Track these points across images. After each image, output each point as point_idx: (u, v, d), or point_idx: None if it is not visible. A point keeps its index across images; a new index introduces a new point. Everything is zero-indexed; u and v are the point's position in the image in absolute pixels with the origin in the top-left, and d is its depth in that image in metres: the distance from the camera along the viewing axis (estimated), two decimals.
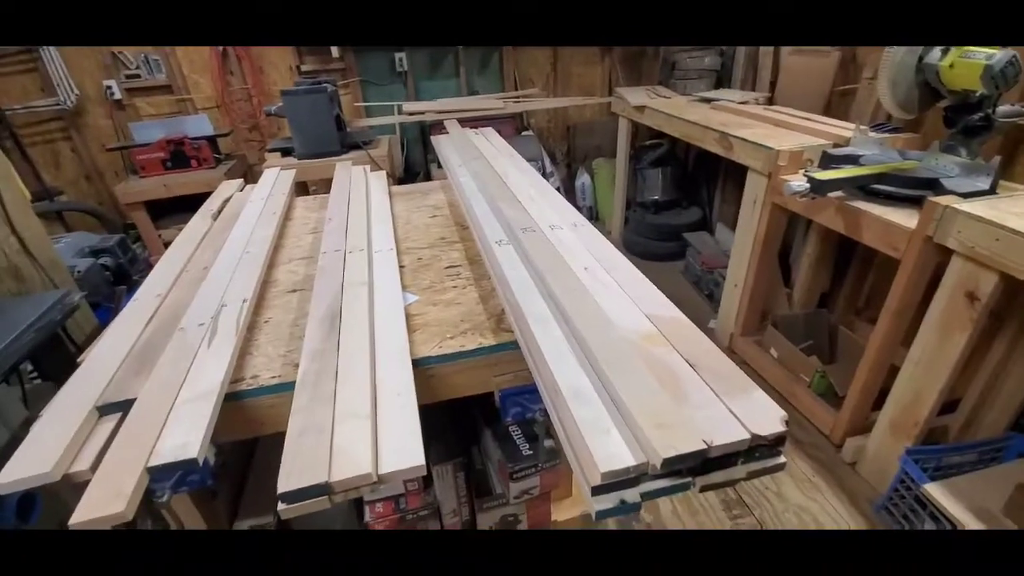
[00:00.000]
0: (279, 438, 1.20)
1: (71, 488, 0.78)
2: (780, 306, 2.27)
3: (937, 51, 1.30)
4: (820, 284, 2.27)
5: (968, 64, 1.22)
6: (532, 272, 1.02)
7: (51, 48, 3.07)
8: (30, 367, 1.14)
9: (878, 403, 1.69)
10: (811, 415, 1.89)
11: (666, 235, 3.02)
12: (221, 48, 3.34)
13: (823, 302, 2.34)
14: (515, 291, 0.95)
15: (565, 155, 4.25)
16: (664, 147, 3.05)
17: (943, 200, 1.22)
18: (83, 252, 1.50)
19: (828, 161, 1.65)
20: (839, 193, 1.50)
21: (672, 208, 3.15)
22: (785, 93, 2.52)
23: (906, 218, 1.36)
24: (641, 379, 0.68)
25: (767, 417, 0.64)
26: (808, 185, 1.43)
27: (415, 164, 3.85)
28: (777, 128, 2.05)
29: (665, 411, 0.63)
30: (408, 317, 1.00)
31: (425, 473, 0.67)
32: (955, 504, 1.26)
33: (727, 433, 0.61)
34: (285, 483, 0.61)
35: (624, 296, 0.92)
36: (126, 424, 0.73)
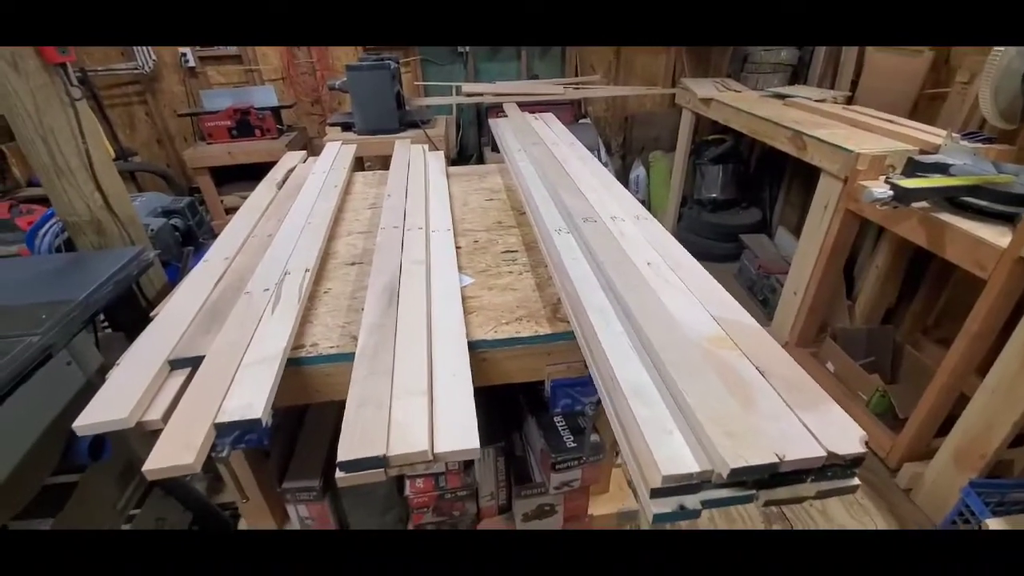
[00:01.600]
0: (329, 406, 1.24)
1: (139, 434, 0.82)
2: (840, 318, 2.16)
3: None
4: (886, 298, 2.14)
5: None
6: (592, 263, 1.00)
7: None
8: (101, 317, 1.21)
9: (942, 429, 1.59)
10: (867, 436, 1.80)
11: (722, 235, 2.91)
12: None
13: (887, 318, 2.20)
14: (574, 281, 0.93)
15: (620, 146, 4.15)
16: (728, 143, 2.93)
17: None
18: (156, 212, 1.57)
19: (914, 168, 1.53)
20: (924, 203, 1.39)
21: (730, 207, 3.03)
22: (867, 93, 2.36)
23: (997, 235, 1.26)
24: (708, 382, 0.65)
25: (845, 435, 0.60)
26: (891, 192, 1.34)
27: (469, 146, 3.85)
28: (856, 129, 1.93)
29: (734, 418, 0.60)
30: (464, 299, 1.00)
31: (478, 456, 0.67)
32: None
33: (801, 448, 0.58)
34: (345, 452, 0.62)
35: (689, 295, 0.89)
36: (195, 380, 0.76)
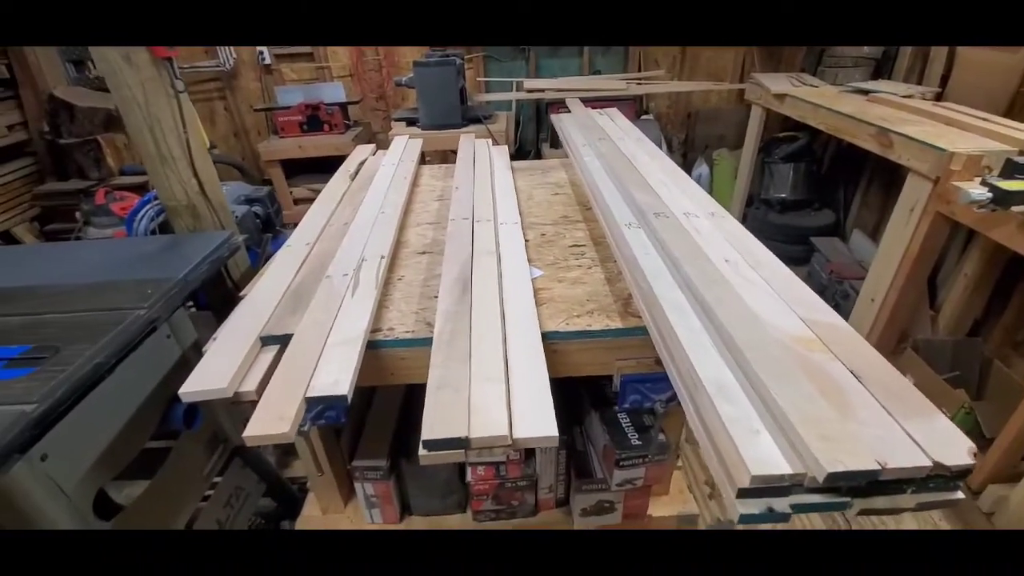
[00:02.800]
0: (396, 389, 1.28)
1: (225, 407, 0.88)
2: (922, 329, 2.02)
3: None
4: (974, 309, 1.98)
5: None
6: (666, 259, 0.98)
7: None
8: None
9: None
10: None
11: (791, 237, 2.77)
12: None
13: (974, 330, 2.04)
14: (648, 276, 0.92)
15: (682, 143, 4.04)
16: (801, 140, 2.79)
17: None
18: (239, 199, 1.67)
19: (1013, 170, 1.41)
20: (1021, 207, 1.28)
21: (801, 208, 2.89)
22: (959, 89, 2.19)
23: None
24: (799, 384, 0.63)
25: (952, 446, 0.57)
26: (991, 195, 1.24)
27: (527, 142, 3.86)
28: (948, 127, 1.79)
29: (828, 422, 0.58)
30: (534, 291, 1.01)
31: (557, 444, 0.67)
32: None
33: (904, 457, 0.55)
34: (429, 432, 0.64)
35: (773, 295, 0.85)
36: (286, 356, 0.80)
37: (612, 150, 1.63)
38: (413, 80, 2.70)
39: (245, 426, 0.68)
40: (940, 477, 0.56)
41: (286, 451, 1.71)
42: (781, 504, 0.57)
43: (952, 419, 1.56)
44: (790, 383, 0.63)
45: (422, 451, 0.64)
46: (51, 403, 0.70)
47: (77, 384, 0.74)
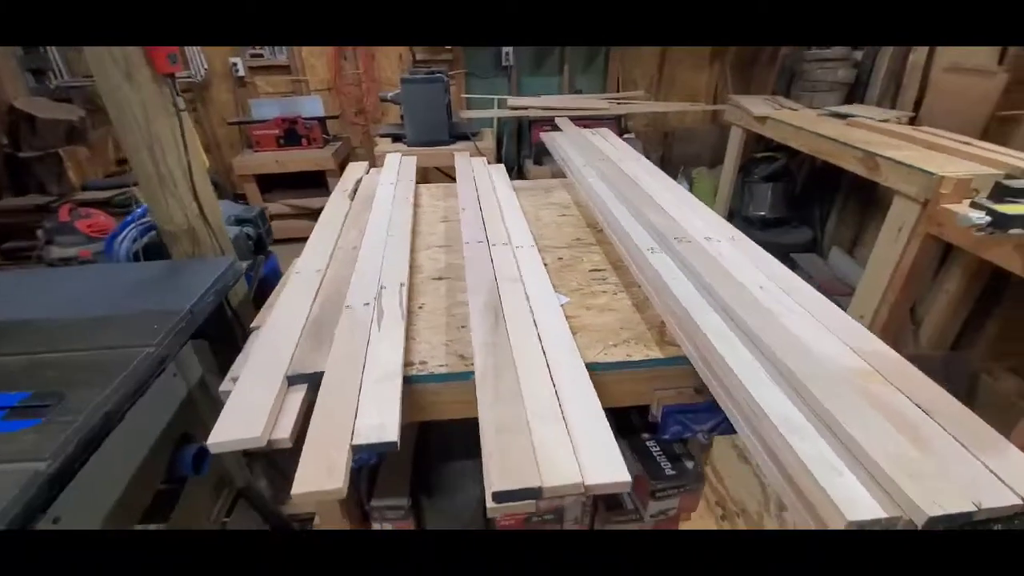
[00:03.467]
0: (412, 423, 1.21)
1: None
2: (906, 344, 2.09)
3: None
4: (956, 324, 2.07)
5: None
6: (698, 285, 0.97)
7: None
8: None
9: None
10: None
11: (772, 254, 2.83)
12: None
13: (954, 344, 2.13)
14: (685, 305, 0.90)
15: (660, 161, 4.12)
16: (780, 161, 2.88)
17: None
18: (229, 220, 1.58)
19: (1002, 193, 1.48)
20: (1020, 230, 1.34)
21: (780, 226, 2.97)
22: (933, 114, 2.31)
23: None
24: (872, 420, 0.62)
25: None
26: (989, 218, 1.29)
27: (509, 159, 3.85)
28: (931, 151, 1.87)
29: (912, 461, 0.57)
30: (566, 319, 0.98)
31: (629, 489, 0.64)
32: None
33: (994, 496, 0.54)
34: (500, 483, 0.60)
35: (815, 322, 0.85)
36: (322, 398, 0.75)
37: (615, 171, 1.63)
38: (399, 96, 2.66)
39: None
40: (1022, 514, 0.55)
41: (279, 486, 1.62)
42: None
43: None
44: (864, 419, 0.62)
45: (491, 503, 0.60)
46: (64, 460, 0.62)
47: (89, 437, 0.66)
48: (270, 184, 3.53)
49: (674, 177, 3.97)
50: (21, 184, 2.97)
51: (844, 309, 0.90)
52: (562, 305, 1.05)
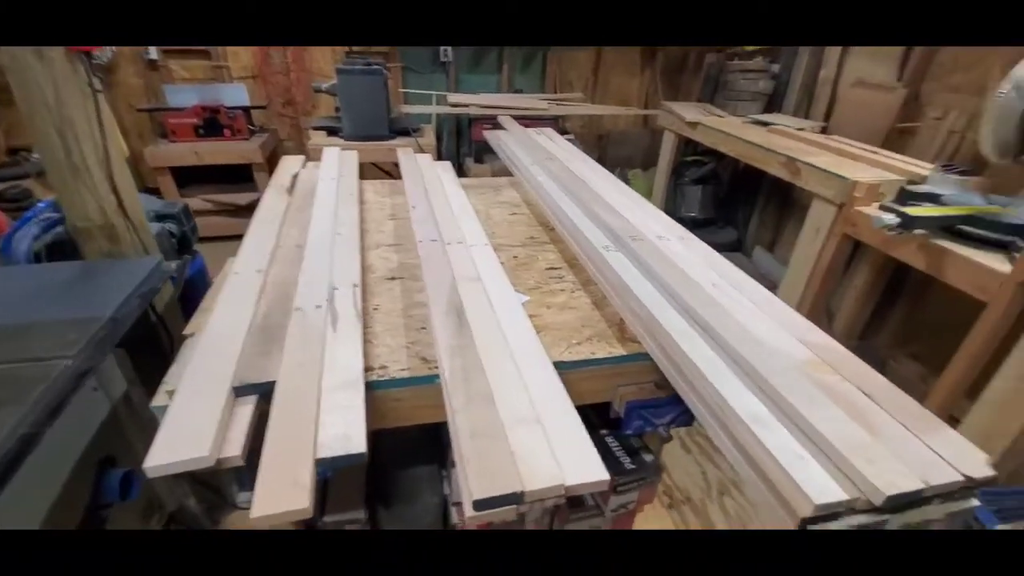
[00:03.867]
0: (394, 432, 1.16)
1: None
2: None
3: None
4: (864, 315, 2.28)
5: None
6: (656, 283, 0.99)
7: None
8: None
9: None
10: None
11: None
12: None
13: (863, 334, 2.35)
14: (645, 303, 0.92)
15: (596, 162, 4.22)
16: (709, 164, 3.04)
17: None
18: (149, 216, 1.43)
19: (906, 197, 1.64)
20: (923, 230, 1.50)
21: (708, 226, 3.15)
22: (841, 124, 2.53)
23: (995, 262, 1.37)
24: (828, 409, 0.66)
25: (973, 459, 0.62)
26: (898, 220, 1.43)
27: (449, 156, 3.79)
28: (842, 158, 2.05)
29: (867, 446, 0.61)
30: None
31: (607, 488, 0.64)
32: None
33: (940, 473, 0.59)
34: (480, 490, 0.57)
35: (765, 317, 0.90)
36: (276, 409, 0.69)
37: (563, 171, 1.64)
38: (335, 87, 2.54)
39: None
40: (965, 488, 0.61)
41: (213, 506, 1.49)
42: (837, 528, 0.59)
43: None
44: (821, 409, 0.66)
45: (470, 512, 0.57)
46: None
47: (3, 462, 0.57)
48: (188, 178, 3.25)
49: None
50: None
51: None
52: (523, 304, 1.04)
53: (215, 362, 0.77)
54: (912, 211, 1.42)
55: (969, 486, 0.60)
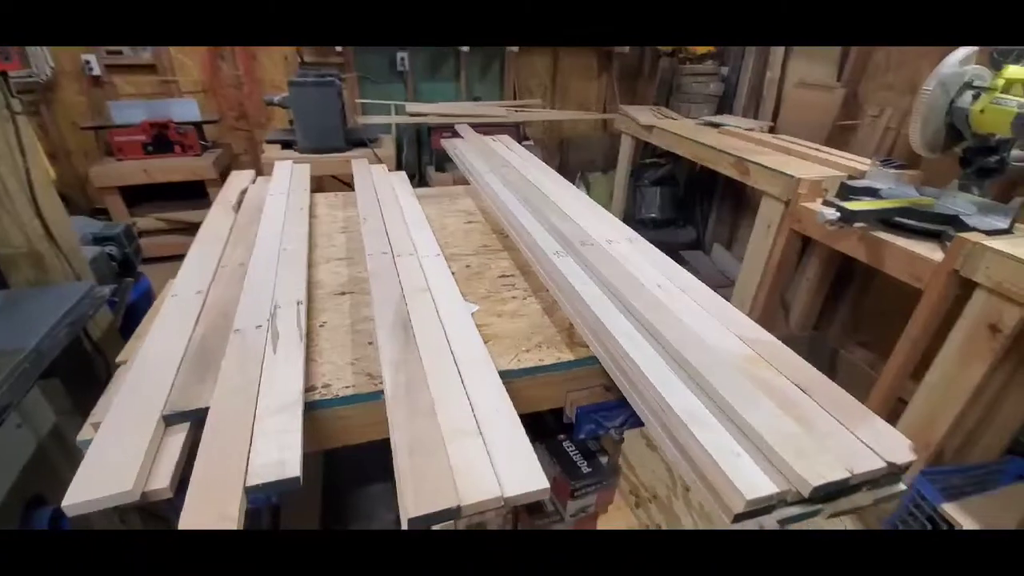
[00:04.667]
0: (317, 453, 1.13)
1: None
2: (778, 328, 2.34)
3: (969, 95, 1.38)
4: (816, 307, 2.36)
5: (999, 110, 1.30)
6: (603, 287, 1.00)
7: None
8: None
9: None
10: None
11: (663, 252, 3.06)
12: None
13: (816, 325, 2.43)
14: (592, 307, 0.93)
15: (558, 168, 4.26)
16: (666, 166, 3.11)
17: (971, 237, 1.29)
18: (87, 239, 1.37)
19: (847, 192, 1.71)
20: (862, 223, 1.56)
21: (668, 226, 3.21)
22: (787, 123, 2.62)
23: (928, 251, 1.43)
24: (761, 403, 0.67)
25: (897, 445, 0.64)
26: (839, 214, 1.48)
27: (410, 166, 3.77)
28: (788, 156, 2.12)
29: (797, 438, 0.62)
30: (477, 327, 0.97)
31: (548, 496, 0.64)
32: (972, 523, 1.32)
33: (865, 462, 0.61)
34: (414, 508, 0.57)
35: (708, 317, 0.91)
36: (206, 437, 0.66)
37: (519, 178, 1.65)
38: (288, 100, 2.50)
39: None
40: (889, 474, 0.63)
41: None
42: (769, 521, 0.60)
43: None
44: (754, 404, 0.67)
45: (407, 529, 0.56)
46: None
47: None
48: (138, 196, 3.15)
49: (572, 182, 4.14)
50: None
51: (728, 299, 1.00)
52: (472, 313, 1.04)
53: (145, 390, 0.74)
54: (851, 205, 1.48)
55: (893, 472, 0.63)
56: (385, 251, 1.19)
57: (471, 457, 0.64)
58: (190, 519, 0.55)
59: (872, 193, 1.66)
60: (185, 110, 3.11)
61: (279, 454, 0.64)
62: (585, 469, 1.04)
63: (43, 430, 0.80)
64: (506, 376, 0.87)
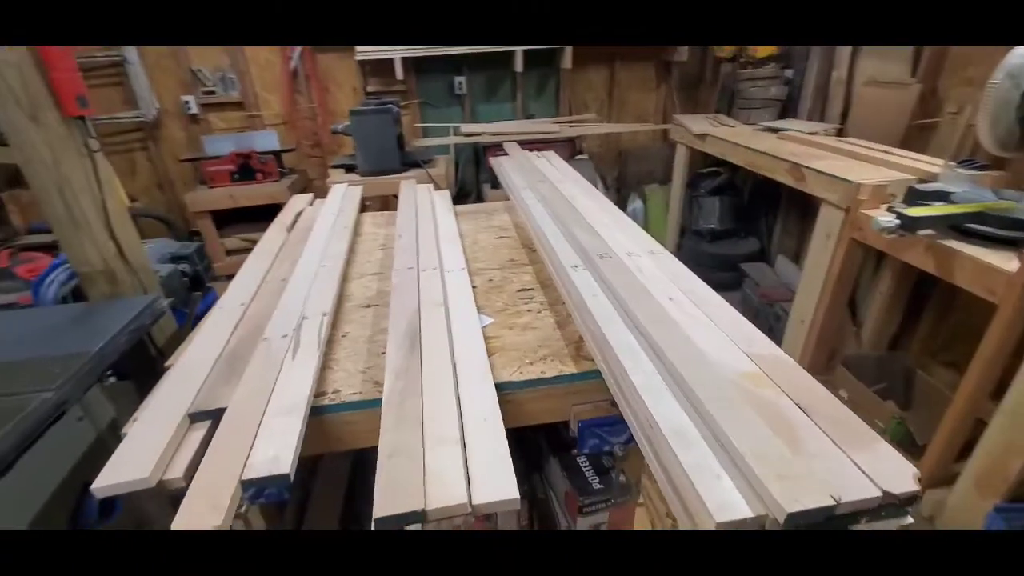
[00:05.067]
0: (345, 452, 1.20)
1: (150, 492, 0.79)
2: (848, 345, 2.15)
3: None
4: (892, 324, 2.14)
5: None
6: (613, 300, 0.99)
7: (136, 63, 3.29)
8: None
9: (962, 455, 1.56)
10: None
11: (722, 265, 2.93)
12: (292, 67, 3.50)
13: (894, 343, 2.20)
14: (598, 320, 0.92)
15: (616, 180, 4.22)
16: (723, 175, 2.99)
17: None
18: (164, 258, 1.56)
19: (915, 197, 1.56)
20: (929, 231, 1.41)
21: (729, 237, 3.07)
22: (857, 125, 2.43)
23: (1004, 261, 1.27)
24: (752, 423, 0.64)
25: (898, 473, 0.59)
26: (898, 221, 1.36)
27: (467, 184, 3.90)
28: (853, 160, 1.97)
29: (783, 460, 0.59)
30: (485, 340, 0.99)
31: (519, 507, 0.64)
32: None
33: (856, 489, 0.57)
34: (381, 508, 0.59)
35: (717, 331, 0.88)
36: (218, 434, 0.74)
37: (553, 192, 1.67)
38: (350, 128, 2.68)
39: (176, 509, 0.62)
40: (891, 505, 0.58)
41: None
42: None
43: (885, 430, 1.64)
44: (743, 423, 0.64)
45: (375, 528, 0.59)
46: None
47: None
48: (227, 219, 3.50)
49: (628, 195, 4.07)
50: None
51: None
52: (485, 327, 1.06)
53: (178, 390, 0.83)
54: (912, 211, 1.35)
55: (891, 503, 0.57)
56: (411, 266, 1.25)
57: (448, 464, 0.66)
58: (187, 507, 0.62)
59: (943, 197, 1.50)
60: (266, 141, 3.43)
61: (276, 451, 0.70)
62: (596, 485, 1.02)
63: (102, 424, 0.92)
64: (506, 387, 0.89)
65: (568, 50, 3.52)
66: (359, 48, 3.37)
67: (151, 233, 3.53)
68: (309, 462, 1.25)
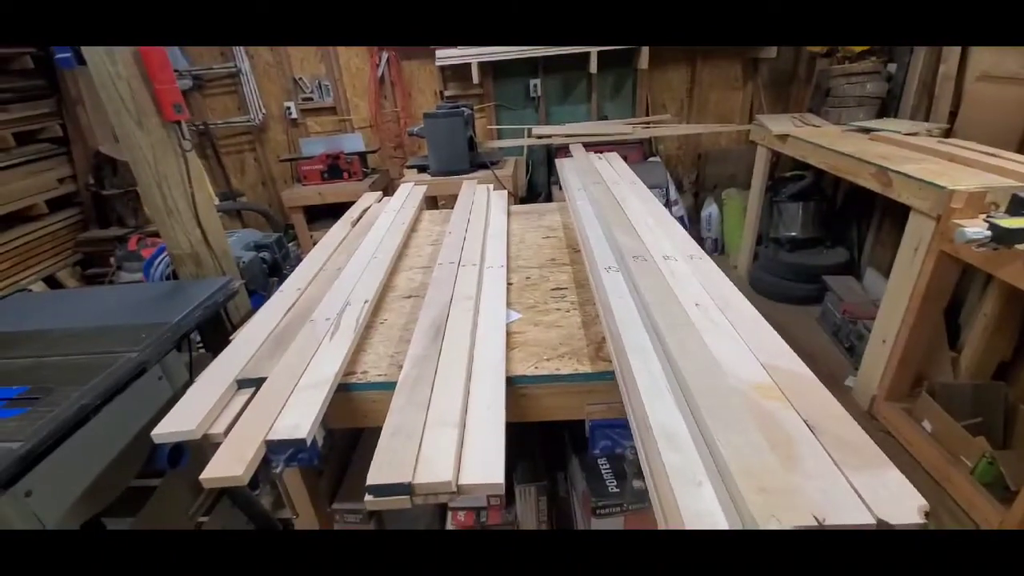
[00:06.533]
0: (379, 432, 1.29)
1: (213, 445, 0.90)
2: (942, 372, 1.92)
3: None
4: (999, 351, 1.88)
5: None
6: (637, 302, 0.99)
7: (247, 73, 3.68)
8: (198, 338, 1.35)
9: None
10: (969, 507, 1.56)
11: (802, 276, 2.72)
12: (379, 74, 3.74)
13: (1000, 374, 1.93)
14: (617, 320, 0.93)
15: (693, 183, 4.06)
16: (807, 179, 2.77)
17: None
18: (248, 246, 1.75)
19: (1019, 206, 1.37)
20: None
21: (812, 247, 2.84)
22: (968, 125, 2.16)
23: None
24: (746, 433, 0.62)
25: (901, 502, 0.54)
26: (989, 233, 1.21)
27: (539, 185, 3.94)
28: (952, 164, 1.76)
29: (770, 474, 0.56)
30: (508, 334, 1.02)
31: (502, 492, 0.67)
32: None
33: (846, 513, 0.53)
34: (374, 476, 0.65)
35: (738, 339, 0.85)
36: (256, 399, 0.83)
37: (604, 194, 1.66)
38: (424, 130, 2.83)
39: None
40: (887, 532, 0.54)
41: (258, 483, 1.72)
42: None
43: (972, 469, 1.46)
44: (737, 432, 0.62)
45: (367, 496, 0.65)
46: (36, 441, 0.74)
47: (63, 424, 0.78)
48: (317, 214, 3.81)
49: (706, 199, 3.89)
50: (104, 218, 3.42)
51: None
52: (512, 322, 1.09)
53: (231, 360, 0.95)
54: (1008, 222, 1.20)
55: (885, 530, 0.53)
56: (453, 261, 1.31)
57: (442, 445, 0.70)
58: (218, 457, 0.71)
59: None
60: (353, 143, 3.69)
61: (298, 419, 0.78)
62: (612, 489, 1.02)
63: (178, 383, 1.07)
64: (519, 381, 0.91)
65: (645, 50, 3.44)
66: (439, 53, 3.51)
67: (255, 225, 3.93)
68: (352, 437, 1.35)
